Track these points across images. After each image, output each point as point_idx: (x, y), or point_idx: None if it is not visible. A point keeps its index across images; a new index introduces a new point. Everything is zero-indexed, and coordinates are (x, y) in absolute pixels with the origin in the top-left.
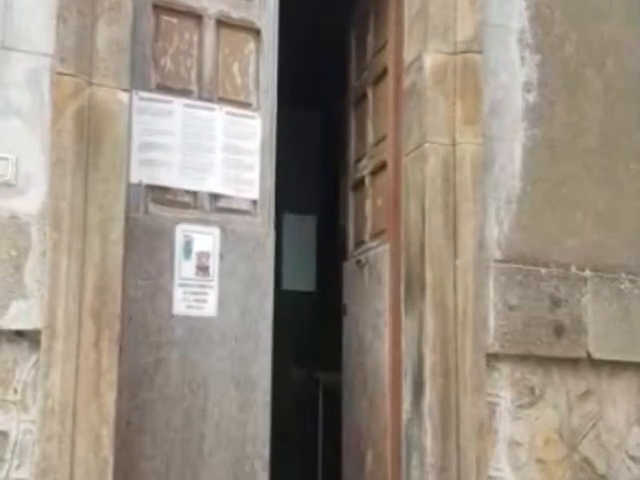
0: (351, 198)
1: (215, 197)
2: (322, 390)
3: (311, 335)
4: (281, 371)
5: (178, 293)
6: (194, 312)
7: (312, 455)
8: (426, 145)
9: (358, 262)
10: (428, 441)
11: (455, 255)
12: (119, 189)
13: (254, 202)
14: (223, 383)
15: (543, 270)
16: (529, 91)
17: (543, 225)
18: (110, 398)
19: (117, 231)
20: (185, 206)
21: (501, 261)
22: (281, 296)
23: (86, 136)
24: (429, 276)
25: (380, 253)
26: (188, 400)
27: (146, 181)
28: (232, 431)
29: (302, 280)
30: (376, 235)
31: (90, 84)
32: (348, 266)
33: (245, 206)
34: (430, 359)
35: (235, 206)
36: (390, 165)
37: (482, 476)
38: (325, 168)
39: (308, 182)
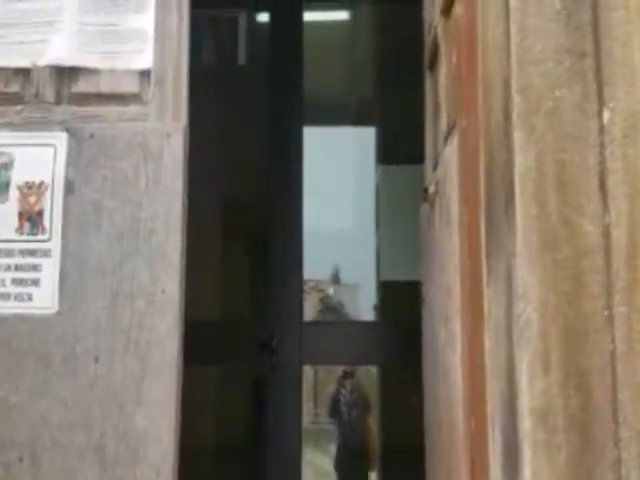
0: (428, 84)
1: (65, 74)
2: None
3: None
4: (387, 393)
5: None
6: (11, 308)
7: None
8: None
9: (425, 192)
10: None
11: (600, 99)
12: None
13: (143, 76)
14: (71, 452)
15: None
16: None
17: None
18: None
19: None
20: (8, 100)
21: None
22: (380, 290)
23: None
24: (521, 160)
25: (448, 162)
26: None
27: None
28: None
29: (409, 265)
30: (450, 132)
31: None
32: (423, 211)
33: (124, 86)
34: (531, 387)
35: (104, 87)
36: None
37: None
38: None
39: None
